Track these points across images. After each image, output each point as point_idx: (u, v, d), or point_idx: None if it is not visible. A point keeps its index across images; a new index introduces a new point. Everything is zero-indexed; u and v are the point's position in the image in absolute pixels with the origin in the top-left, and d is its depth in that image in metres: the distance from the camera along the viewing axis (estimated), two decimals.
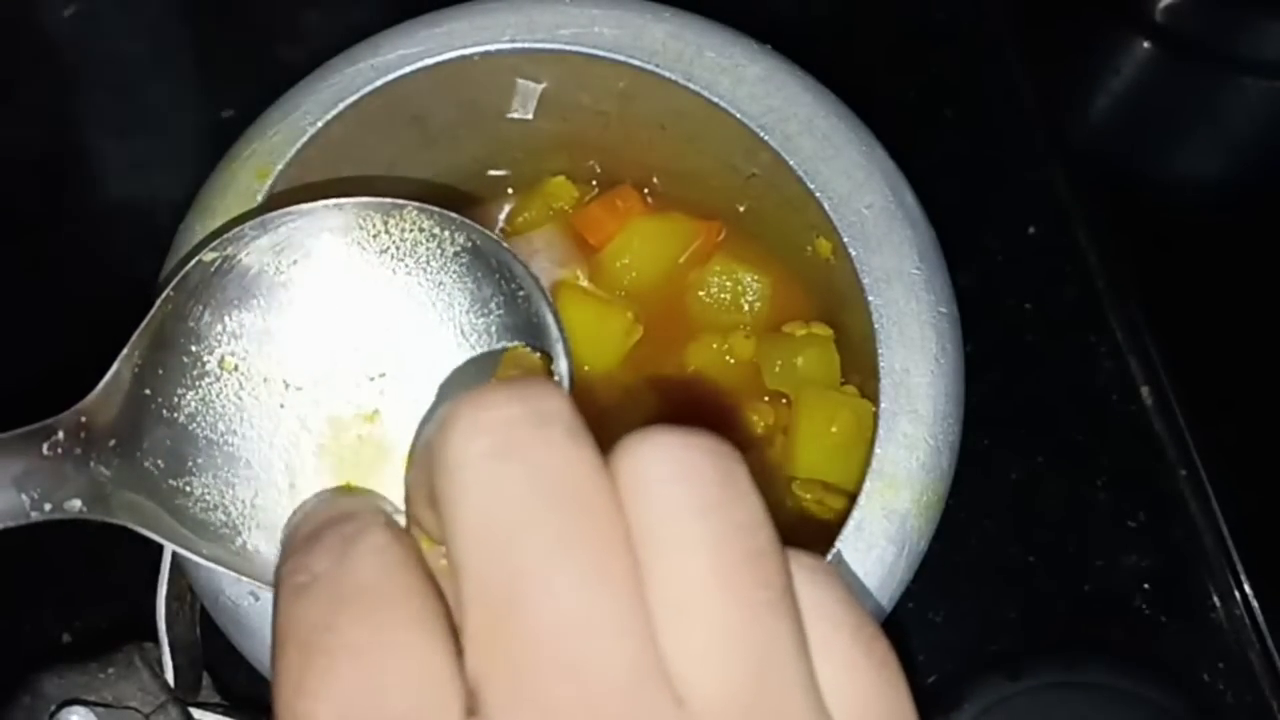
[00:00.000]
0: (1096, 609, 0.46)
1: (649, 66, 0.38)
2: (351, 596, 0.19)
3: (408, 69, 0.38)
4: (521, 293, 0.29)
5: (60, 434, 0.26)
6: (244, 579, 0.27)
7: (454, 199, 0.39)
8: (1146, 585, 0.46)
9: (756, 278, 0.43)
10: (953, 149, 0.53)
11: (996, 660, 0.44)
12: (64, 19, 0.55)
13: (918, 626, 0.45)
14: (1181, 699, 0.42)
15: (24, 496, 0.25)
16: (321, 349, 0.29)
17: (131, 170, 0.52)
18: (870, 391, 0.36)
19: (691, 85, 0.38)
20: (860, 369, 0.40)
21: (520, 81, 0.40)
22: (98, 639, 0.44)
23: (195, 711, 0.38)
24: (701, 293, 0.43)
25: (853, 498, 0.34)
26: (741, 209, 0.42)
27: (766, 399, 0.42)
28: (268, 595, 0.32)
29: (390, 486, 0.28)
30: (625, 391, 0.42)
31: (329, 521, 0.22)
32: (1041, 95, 0.54)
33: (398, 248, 0.29)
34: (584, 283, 0.43)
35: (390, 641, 0.18)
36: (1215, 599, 0.46)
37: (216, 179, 0.37)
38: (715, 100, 0.38)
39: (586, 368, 0.42)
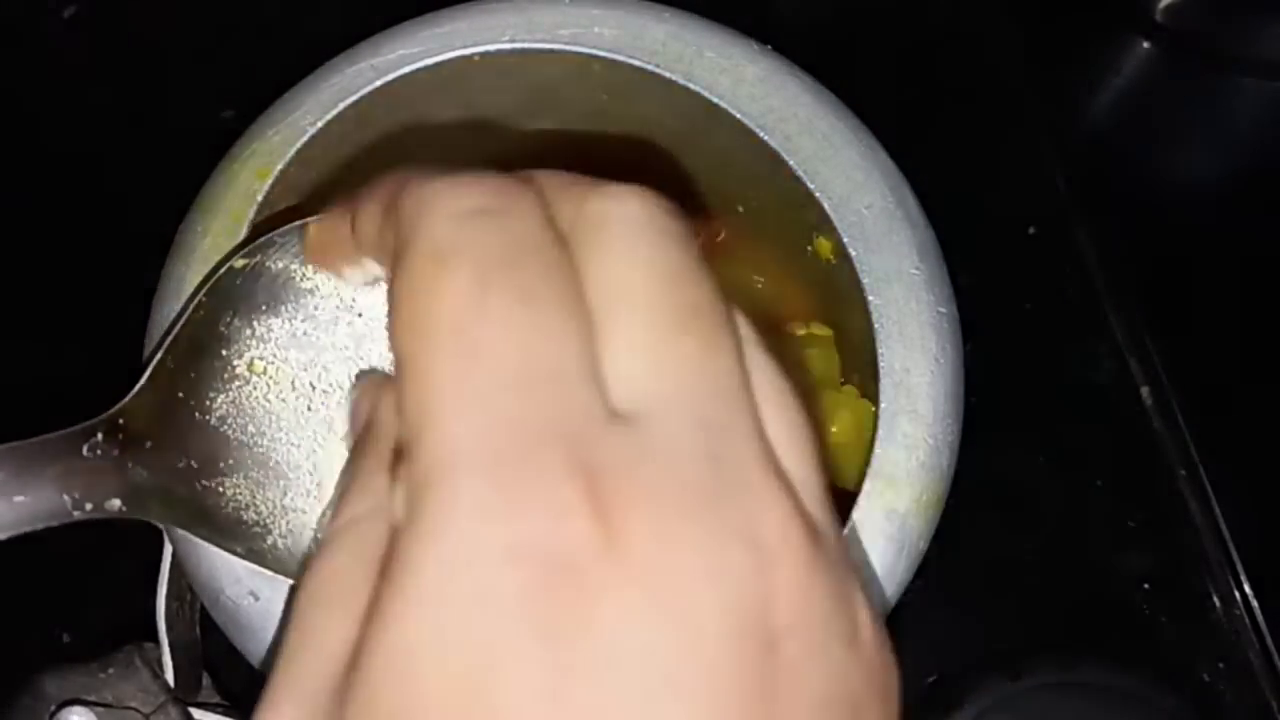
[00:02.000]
0: (1096, 609, 0.46)
1: (649, 66, 0.38)
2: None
3: (408, 69, 0.38)
4: None
5: (100, 435, 0.26)
6: (268, 575, 0.28)
7: None
8: (1146, 585, 0.46)
9: (756, 278, 0.43)
10: (953, 149, 0.53)
11: (996, 660, 0.44)
12: (64, 19, 0.55)
13: (918, 626, 0.45)
14: (1181, 699, 0.42)
15: (65, 497, 0.25)
16: (348, 353, 0.29)
17: (131, 170, 0.52)
18: (870, 392, 0.36)
19: (691, 85, 0.38)
20: (860, 369, 0.39)
21: None
22: (98, 639, 0.44)
23: (195, 712, 0.38)
24: None
25: (853, 498, 0.34)
26: (741, 209, 0.42)
27: None
28: (268, 595, 0.32)
29: None
30: None
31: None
32: (1041, 95, 0.54)
33: None
34: None
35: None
36: (1215, 599, 0.46)
37: (217, 179, 0.37)
38: (715, 100, 0.38)
39: None
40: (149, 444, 0.27)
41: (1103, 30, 0.57)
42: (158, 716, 0.37)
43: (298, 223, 0.28)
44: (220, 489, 0.28)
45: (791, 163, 0.37)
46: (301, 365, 0.29)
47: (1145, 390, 0.49)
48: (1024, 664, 0.43)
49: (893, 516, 0.33)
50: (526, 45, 0.38)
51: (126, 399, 0.27)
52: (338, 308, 0.29)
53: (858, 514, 0.33)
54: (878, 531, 0.33)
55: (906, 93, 0.54)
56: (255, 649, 0.32)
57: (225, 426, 0.28)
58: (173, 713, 0.37)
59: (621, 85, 0.39)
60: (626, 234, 0.18)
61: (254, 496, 0.28)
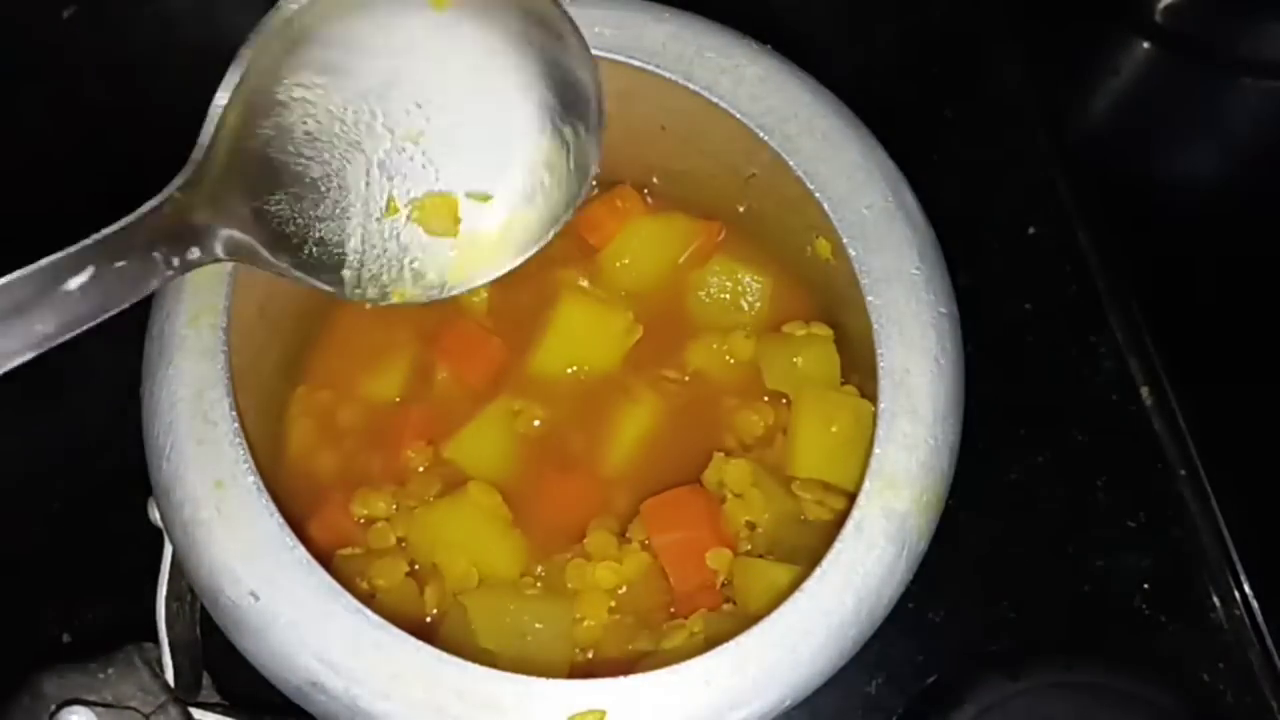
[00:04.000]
0: (1096, 609, 0.46)
1: (649, 67, 0.38)
2: None
3: None
4: (567, 57, 0.35)
5: (176, 192, 0.31)
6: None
7: None
8: (1146, 585, 0.46)
9: (756, 278, 0.43)
10: (953, 149, 0.53)
11: (996, 660, 0.44)
12: (64, 19, 0.55)
13: (918, 626, 0.45)
14: (1181, 699, 0.42)
15: (156, 254, 0.30)
16: (378, 82, 0.33)
17: (131, 169, 0.52)
18: (870, 391, 0.36)
19: (691, 85, 0.38)
20: (860, 369, 0.40)
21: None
22: (98, 639, 0.44)
23: (195, 711, 0.38)
24: (701, 293, 0.43)
25: (853, 498, 0.34)
26: (741, 209, 0.42)
27: (766, 399, 0.42)
28: (267, 595, 0.32)
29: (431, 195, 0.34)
30: (625, 391, 0.42)
31: None
32: (1041, 95, 0.54)
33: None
34: (584, 283, 0.43)
35: None
36: (1215, 599, 0.46)
37: None
38: (715, 100, 0.38)
39: (587, 368, 0.42)
40: (209, 188, 0.31)
41: (1103, 30, 0.57)
42: (158, 716, 0.37)
43: None
44: (266, 207, 0.32)
45: (791, 163, 0.37)
46: (336, 90, 0.33)
47: (1145, 390, 0.49)
48: (1024, 664, 0.43)
49: (893, 516, 0.33)
50: None
51: (195, 150, 0.32)
52: (376, 40, 0.33)
53: (858, 514, 0.33)
54: (878, 531, 0.33)
55: (907, 93, 0.54)
56: (255, 649, 0.32)
57: (269, 148, 0.32)
58: (173, 712, 0.37)
59: (622, 85, 0.39)
60: None
61: (292, 210, 0.32)
